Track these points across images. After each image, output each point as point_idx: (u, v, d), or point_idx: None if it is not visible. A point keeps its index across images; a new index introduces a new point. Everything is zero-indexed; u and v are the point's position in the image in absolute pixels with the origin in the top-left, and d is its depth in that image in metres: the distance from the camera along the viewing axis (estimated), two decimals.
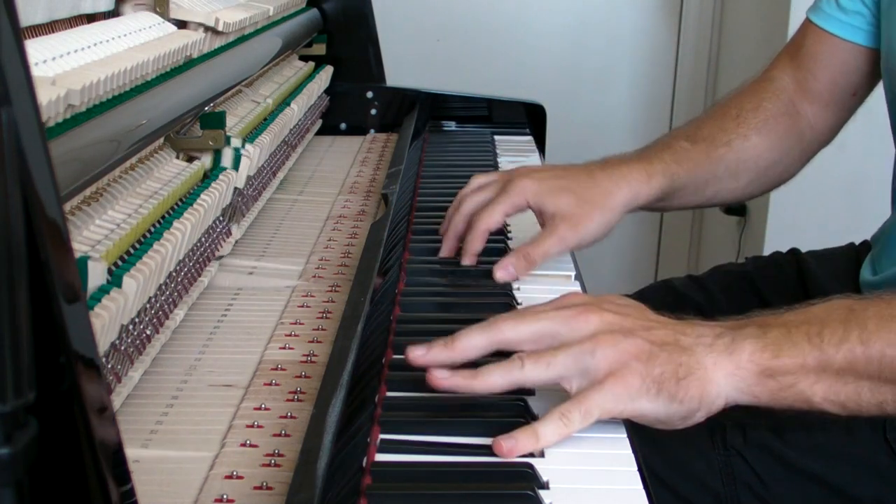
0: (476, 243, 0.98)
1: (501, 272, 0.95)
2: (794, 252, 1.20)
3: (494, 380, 0.70)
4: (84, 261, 0.67)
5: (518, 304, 0.91)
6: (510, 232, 1.10)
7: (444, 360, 0.72)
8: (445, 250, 1.01)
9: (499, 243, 1.03)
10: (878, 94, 1.15)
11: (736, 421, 0.89)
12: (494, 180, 1.02)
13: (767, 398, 0.71)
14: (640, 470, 0.66)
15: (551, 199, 0.97)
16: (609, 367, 0.69)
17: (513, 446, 0.66)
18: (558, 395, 0.75)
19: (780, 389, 0.70)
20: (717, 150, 1.09)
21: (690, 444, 0.89)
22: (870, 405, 0.71)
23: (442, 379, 0.70)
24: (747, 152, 1.11)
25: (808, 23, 1.15)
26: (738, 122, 1.12)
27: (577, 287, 0.99)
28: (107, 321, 0.67)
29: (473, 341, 0.72)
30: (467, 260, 0.98)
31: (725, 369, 0.70)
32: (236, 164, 1.03)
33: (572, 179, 0.99)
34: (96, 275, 0.68)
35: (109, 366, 0.70)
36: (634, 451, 0.69)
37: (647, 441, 0.87)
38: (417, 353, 0.72)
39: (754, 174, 1.12)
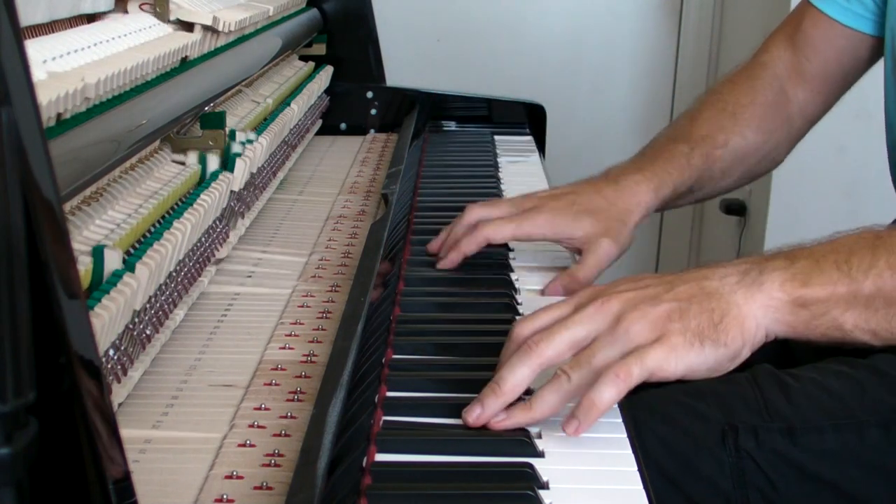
0: (471, 245, 0.97)
1: (552, 292, 0.94)
2: None
3: (550, 401, 0.69)
4: (100, 249, 0.68)
5: (518, 304, 0.91)
6: (512, 251, 1.07)
7: (500, 406, 0.70)
8: (434, 246, 1.00)
9: (501, 257, 1.02)
10: (879, 93, 1.14)
11: (748, 423, 0.89)
12: (508, 204, 1.01)
13: (802, 328, 0.73)
14: (640, 470, 0.66)
15: (576, 226, 0.97)
16: (647, 337, 0.70)
17: (577, 426, 0.68)
18: None
19: (812, 318, 0.72)
20: (715, 152, 1.09)
21: (701, 445, 0.89)
22: None
23: (502, 421, 0.69)
24: (741, 151, 1.11)
25: (806, 5, 1.14)
26: (735, 119, 1.11)
27: None
28: (107, 320, 0.67)
29: (518, 376, 0.70)
30: (447, 262, 0.97)
31: (758, 302, 0.72)
32: (231, 166, 1.03)
33: (586, 203, 0.99)
34: (112, 261, 0.69)
35: (110, 365, 0.70)
36: (634, 451, 0.69)
37: (657, 442, 0.86)
38: (475, 414, 0.70)
39: (746, 169, 1.12)
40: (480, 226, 0.97)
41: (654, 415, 0.90)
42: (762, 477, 0.87)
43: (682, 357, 0.70)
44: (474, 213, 1.00)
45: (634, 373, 0.69)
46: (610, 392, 0.68)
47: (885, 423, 0.87)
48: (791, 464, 0.88)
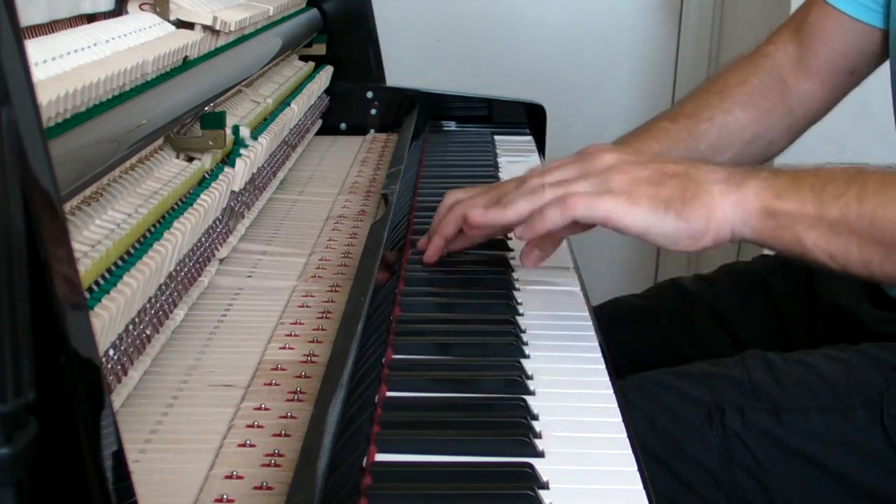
0: (449, 227, 0.95)
1: (526, 260, 0.92)
2: None
3: (521, 207, 0.82)
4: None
5: (518, 303, 0.91)
6: (512, 251, 1.07)
7: (498, 219, 0.84)
8: (423, 242, 1.00)
9: (501, 257, 1.02)
10: (879, 93, 1.14)
11: (734, 403, 0.90)
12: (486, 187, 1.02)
13: (766, 235, 0.78)
14: (640, 470, 0.66)
15: None
16: (621, 188, 0.78)
17: (523, 230, 0.82)
18: (558, 394, 0.75)
19: (777, 228, 0.78)
20: (698, 126, 1.09)
21: (688, 425, 0.90)
22: (857, 262, 0.77)
23: (479, 215, 0.84)
24: (730, 126, 1.10)
25: None
26: (722, 97, 1.12)
27: (575, 280, 0.99)
28: (107, 320, 0.67)
29: (521, 206, 0.82)
30: (431, 250, 0.96)
31: (731, 199, 0.77)
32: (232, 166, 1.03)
33: None
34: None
35: (110, 365, 0.70)
36: (634, 451, 0.69)
37: (645, 422, 0.87)
38: (476, 213, 0.85)
39: (738, 148, 1.11)
40: (457, 206, 0.97)
41: (642, 396, 0.90)
42: (749, 456, 0.88)
43: (642, 215, 0.77)
44: (452, 195, 1.00)
45: (579, 207, 0.78)
46: (552, 215, 0.79)
47: (871, 404, 0.89)
48: (777, 443, 0.89)
